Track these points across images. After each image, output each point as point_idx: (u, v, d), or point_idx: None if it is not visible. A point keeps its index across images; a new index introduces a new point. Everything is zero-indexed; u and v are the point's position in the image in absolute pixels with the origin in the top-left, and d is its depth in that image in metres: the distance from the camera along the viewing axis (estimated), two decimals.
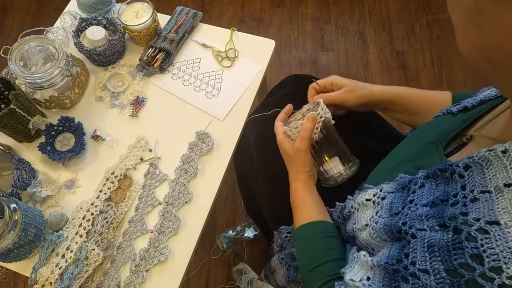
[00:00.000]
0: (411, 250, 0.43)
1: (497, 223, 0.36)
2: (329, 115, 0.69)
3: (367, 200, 0.56)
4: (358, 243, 0.58)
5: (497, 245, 0.35)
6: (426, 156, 0.55)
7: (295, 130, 0.69)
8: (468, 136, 0.52)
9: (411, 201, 0.48)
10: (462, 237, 0.38)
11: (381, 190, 0.55)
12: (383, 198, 0.54)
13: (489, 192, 0.39)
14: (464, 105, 0.60)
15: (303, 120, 0.68)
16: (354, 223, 0.59)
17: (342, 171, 0.69)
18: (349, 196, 0.65)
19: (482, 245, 0.36)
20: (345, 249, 0.63)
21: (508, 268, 0.34)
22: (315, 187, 0.70)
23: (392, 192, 0.53)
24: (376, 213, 0.53)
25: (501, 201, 0.38)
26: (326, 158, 0.71)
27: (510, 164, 0.39)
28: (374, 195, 0.56)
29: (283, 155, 0.72)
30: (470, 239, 0.37)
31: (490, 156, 0.41)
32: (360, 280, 0.50)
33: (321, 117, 0.68)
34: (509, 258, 0.34)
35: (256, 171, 0.84)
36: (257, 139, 0.84)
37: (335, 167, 0.69)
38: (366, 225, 0.54)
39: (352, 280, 0.51)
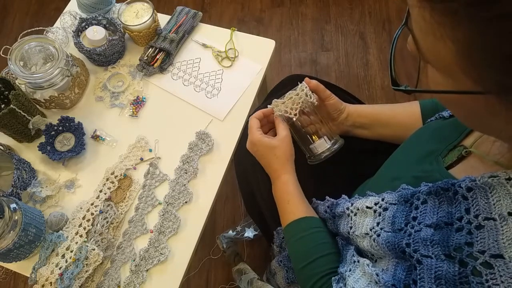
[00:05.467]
0: (418, 277, 0.43)
1: (501, 256, 0.37)
2: (310, 93, 0.73)
3: (367, 207, 0.56)
4: (356, 245, 0.59)
5: (502, 281, 0.36)
6: (425, 166, 0.55)
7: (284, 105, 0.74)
8: (468, 150, 0.52)
9: (414, 218, 0.48)
10: (468, 271, 0.39)
11: (382, 200, 0.55)
12: (385, 209, 0.54)
13: (493, 219, 0.39)
14: None
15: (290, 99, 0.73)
16: (351, 228, 0.59)
17: (329, 147, 0.74)
18: (344, 196, 0.65)
19: (487, 281, 0.37)
20: (335, 242, 0.63)
21: None
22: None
23: (394, 204, 0.53)
24: (377, 224, 0.53)
25: (506, 230, 0.38)
26: (314, 137, 0.75)
27: None
28: (375, 204, 0.55)
29: (263, 153, 0.72)
30: (476, 274, 0.38)
31: (493, 183, 0.41)
32: None
33: (300, 98, 0.73)
34: None
35: (256, 171, 0.83)
36: None
37: (321, 145, 0.74)
38: (367, 234, 0.54)
39: None
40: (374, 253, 0.54)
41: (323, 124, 0.77)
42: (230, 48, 0.99)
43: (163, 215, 0.80)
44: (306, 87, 0.74)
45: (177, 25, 0.99)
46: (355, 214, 0.59)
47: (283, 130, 0.71)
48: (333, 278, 0.57)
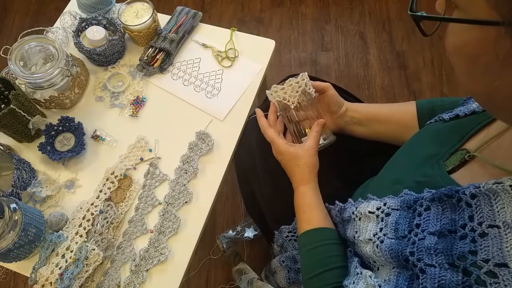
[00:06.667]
0: (421, 286, 0.43)
1: (505, 265, 0.37)
2: (310, 85, 0.74)
3: (370, 212, 0.56)
4: (359, 251, 0.59)
5: None
6: (426, 170, 0.54)
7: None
8: (471, 155, 0.51)
9: (417, 225, 0.48)
10: (472, 280, 0.38)
11: (385, 205, 0.54)
12: (387, 215, 0.53)
13: (497, 227, 0.39)
14: (456, 113, 0.61)
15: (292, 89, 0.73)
16: (356, 232, 0.59)
17: (320, 142, 0.74)
18: (350, 200, 0.65)
19: None
20: (345, 256, 0.63)
21: None
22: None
23: (397, 210, 0.52)
24: (380, 229, 0.53)
25: (510, 238, 0.38)
26: (307, 130, 0.75)
27: None
28: (377, 209, 0.55)
29: (287, 161, 0.72)
30: (480, 283, 0.38)
31: (497, 189, 0.40)
32: None
33: (300, 87, 0.72)
34: None
35: (256, 170, 0.84)
36: (257, 139, 0.84)
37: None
38: (370, 239, 0.54)
39: None
40: (376, 260, 0.54)
41: (318, 119, 0.76)
42: (230, 48, 0.99)
43: (163, 215, 0.80)
44: (306, 77, 0.73)
45: (177, 25, 0.99)
46: (360, 219, 0.59)
47: (310, 140, 0.71)
48: None
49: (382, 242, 0.51)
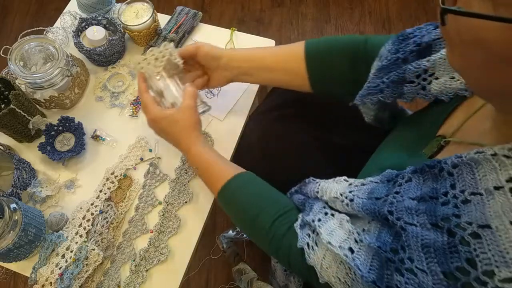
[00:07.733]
0: (406, 244, 0.42)
1: (488, 227, 0.36)
2: (175, 54, 0.71)
3: (345, 180, 0.55)
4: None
5: (489, 250, 0.35)
6: (408, 160, 0.55)
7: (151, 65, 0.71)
8: (446, 140, 0.52)
9: (396, 192, 0.47)
10: (457, 240, 0.38)
11: (364, 179, 0.54)
12: (362, 184, 0.52)
13: (480, 194, 0.39)
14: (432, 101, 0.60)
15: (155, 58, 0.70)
16: (317, 192, 0.57)
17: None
18: (312, 178, 0.63)
19: (475, 250, 0.36)
20: (279, 191, 0.63)
21: (500, 272, 0.34)
22: None
23: (376, 182, 0.51)
24: (350, 191, 0.52)
25: (493, 204, 0.37)
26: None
27: (499, 166, 0.39)
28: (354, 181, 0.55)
29: (166, 128, 0.68)
30: (464, 243, 0.38)
31: (479, 158, 0.40)
32: (340, 247, 0.48)
33: (163, 56, 0.70)
34: (500, 262, 0.34)
35: (257, 170, 0.83)
36: (258, 139, 0.84)
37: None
38: (336, 198, 0.53)
39: (330, 243, 0.49)
40: (352, 214, 0.52)
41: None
42: (230, 48, 0.99)
43: (163, 215, 0.80)
44: (171, 46, 0.70)
45: (177, 25, 0.99)
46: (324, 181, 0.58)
47: (185, 99, 0.68)
48: (295, 224, 0.55)
49: (351, 200, 0.50)
